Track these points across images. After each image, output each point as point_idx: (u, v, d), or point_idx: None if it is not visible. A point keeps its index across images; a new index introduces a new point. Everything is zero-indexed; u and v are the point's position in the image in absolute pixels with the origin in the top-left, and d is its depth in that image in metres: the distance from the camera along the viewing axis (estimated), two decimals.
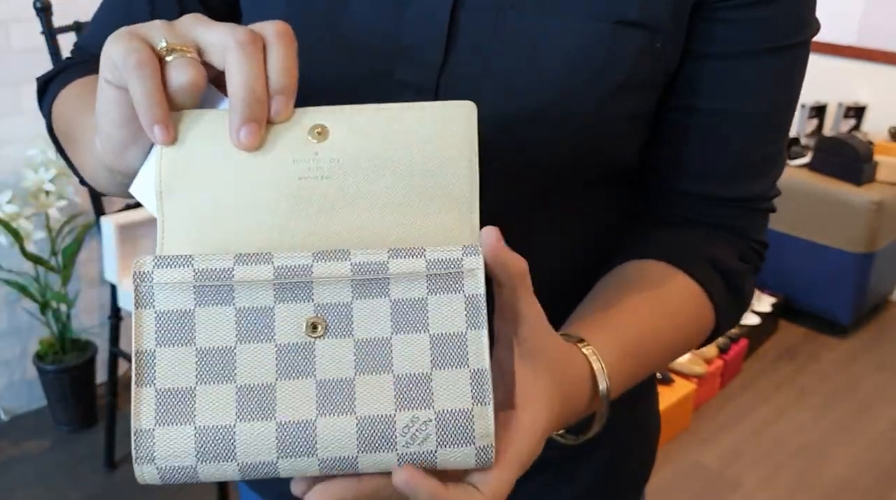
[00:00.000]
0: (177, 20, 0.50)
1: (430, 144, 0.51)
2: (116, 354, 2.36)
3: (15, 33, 2.37)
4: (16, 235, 2.25)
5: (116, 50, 0.48)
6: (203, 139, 0.50)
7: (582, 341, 0.60)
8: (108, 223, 2.13)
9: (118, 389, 2.43)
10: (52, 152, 2.29)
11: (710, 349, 2.87)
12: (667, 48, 0.66)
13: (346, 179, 0.50)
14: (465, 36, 0.63)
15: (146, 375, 0.46)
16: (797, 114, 3.10)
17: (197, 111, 0.50)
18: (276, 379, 0.46)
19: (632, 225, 0.77)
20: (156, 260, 0.46)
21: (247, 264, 0.46)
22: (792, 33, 0.68)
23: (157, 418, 0.45)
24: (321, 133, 0.50)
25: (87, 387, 2.56)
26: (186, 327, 0.46)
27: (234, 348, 0.46)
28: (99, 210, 2.19)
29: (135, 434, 0.46)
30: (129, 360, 2.36)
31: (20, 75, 2.41)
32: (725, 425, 2.80)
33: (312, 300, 0.46)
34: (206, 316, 0.46)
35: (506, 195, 0.67)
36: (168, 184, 0.50)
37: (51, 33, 2.03)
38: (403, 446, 0.46)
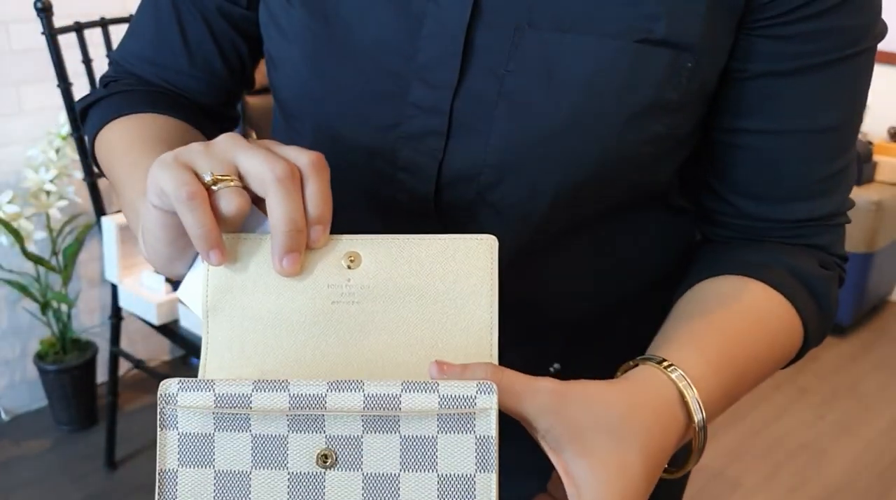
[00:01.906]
0: (214, 142, 0.52)
1: (453, 274, 0.54)
2: (117, 354, 2.36)
3: (15, 34, 2.38)
4: (16, 235, 2.25)
5: (165, 179, 0.50)
6: (245, 262, 0.54)
7: (664, 361, 0.56)
8: (109, 223, 2.14)
9: (119, 389, 2.43)
10: (52, 153, 2.29)
11: None
12: (700, 67, 0.62)
13: (375, 305, 0.53)
14: (481, 54, 0.62)
15: (168, 493, 0.49)
16: None
17: (241, 236, 0.55)
18: None
19: (700, 248, 0.74)
20: (180, 383, 0.49)
21: (264, 391, 0.48)
22: (854, 42, 0.63)
23: None
24: (354, 260, 0.54)
25: (87, 387, 2.56)
26: (206, 450, 0.49)
27: (250, 472, 0.48)
28: (99, 210, 2.19)
29: None
30: (130, 360, 2.37)
31: (21, 76, 2.41)
32: (725, 424, 2.80)
33: (324, 432, 0.48)
34: (225, 440, 0.48)
35: (525, 224, 0.65)
36: (213, 303, 0.54)
37: (51, 34, 2.03)
38: None
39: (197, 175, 0.51)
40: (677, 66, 0.61)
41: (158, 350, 2.89)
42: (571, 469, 0.48)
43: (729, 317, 0.63)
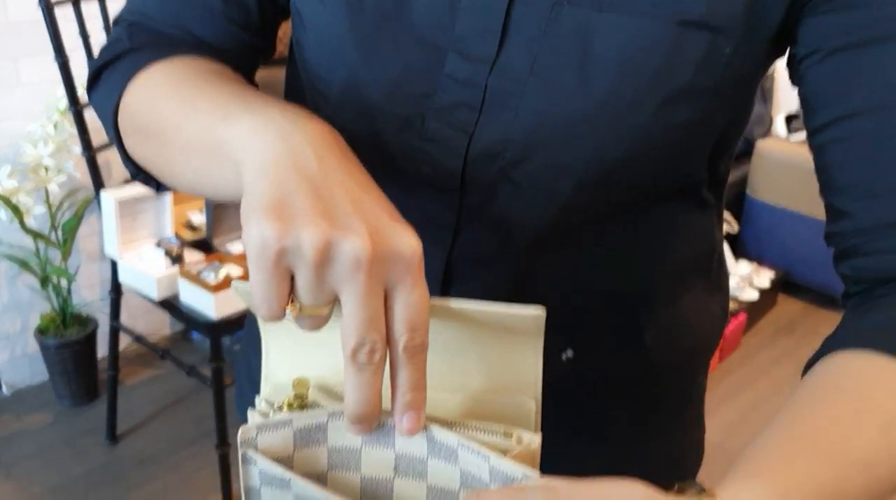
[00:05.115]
0: (335, 257, 0.46)
1: (501, 341, 0.54)
2: (117, 328, 2.37)
3: (12, 6, 2.36)
4: (15, 210, 2.25)
5: (254, 279, 0.46)
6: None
7: (704, 493, 0.45)
8: (108, 198, 2.13)
9: (119, 363, 2.44)
10: (51, 127, 2.28)
11: None
12: (738, 53, 0.60)
13: (430, 361, 0.52)
14: (518, 29, 0.60)
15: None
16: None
17: None
18: None
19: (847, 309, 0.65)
20: (259, 427, 0.51)
21: (339, 419, 0.51)
22: None
23: None
24: None
25: (88, 361, 2.57)
26: (285, 471, 0.50)
27: (326, 473, 0.52)
28: (98, 185, 2.18)
29: None
30: (130, 334, 2.38)
31: (18, 49, 2.40)
32: (724, 398, 2.81)
33: (394, 449, 0.51)
34: (303, 455, 0.52)
35: (549, 205, 0.64)
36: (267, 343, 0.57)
37: (48, 7, 2.02)
38: None
39: (288, 278, 0.46)
40: (715, 50, 0.59)
41: (159, 325, 2.90)
42: None
43: (819, 418, 0.53)
